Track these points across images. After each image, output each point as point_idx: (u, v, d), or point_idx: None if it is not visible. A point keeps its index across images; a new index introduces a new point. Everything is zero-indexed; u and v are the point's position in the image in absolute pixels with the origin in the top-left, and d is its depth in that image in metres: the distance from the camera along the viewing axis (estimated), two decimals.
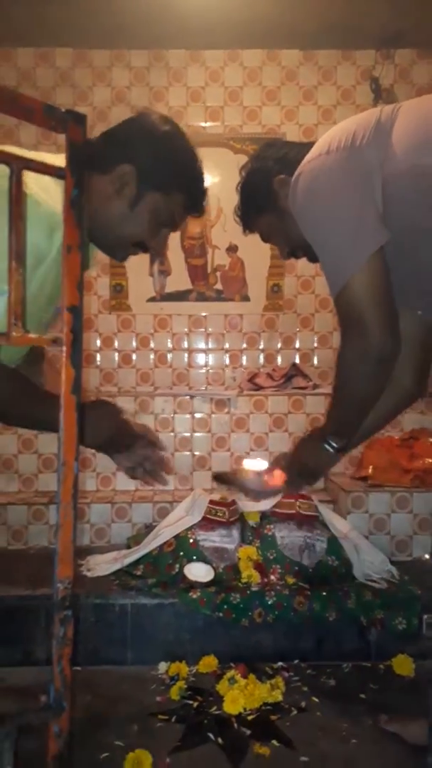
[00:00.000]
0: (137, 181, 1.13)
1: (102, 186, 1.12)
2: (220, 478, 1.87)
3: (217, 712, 1.51)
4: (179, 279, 2.98)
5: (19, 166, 0.68)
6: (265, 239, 1.42)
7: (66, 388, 0.67)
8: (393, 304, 1.09)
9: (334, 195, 1.09)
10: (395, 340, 1.10)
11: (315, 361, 2.98)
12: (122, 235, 1.17)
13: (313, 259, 1.28)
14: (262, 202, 1.33)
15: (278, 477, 1.44)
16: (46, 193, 1.00)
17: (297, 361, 2.93)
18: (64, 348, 0.67)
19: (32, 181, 0.96)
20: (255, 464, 1.54)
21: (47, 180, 0.98)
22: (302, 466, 1.38)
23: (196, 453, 2.62)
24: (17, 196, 0.68)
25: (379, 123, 1.10)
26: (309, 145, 1.20)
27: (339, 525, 2.08)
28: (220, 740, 1.40)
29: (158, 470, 1.31)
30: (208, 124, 3.00)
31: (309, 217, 1.14)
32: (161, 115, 1.20)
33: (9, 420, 1.17)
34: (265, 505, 2.09)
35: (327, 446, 1.29)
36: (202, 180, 1.21)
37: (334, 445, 1.28)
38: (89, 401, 1.21)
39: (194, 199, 1.20)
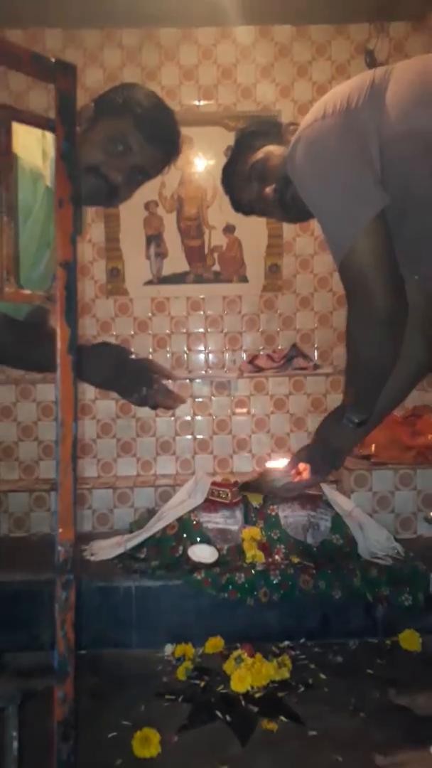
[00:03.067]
0: (94, 112, 1.19)
1: None
2: (246, 486, 1.86)
3: (224, 691, 1.50)
4: (176, 261, 2.94)
5: (8, 116, 0.66)
6: (257, 213, 1.40)
7: (62, 348, 0.65)
8: (397, 268, 1.08)
9: (332, 160, 1.08)
10: (401, 302, 1.09)
11: (315, 342, 2.95)
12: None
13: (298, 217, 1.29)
14: (247, 176, 1.32)
15: (303, 469, 1.41)
16: (25, 150, 1.03)
17: (297, 341, 2.90)
18: (58, 306, 0.65)
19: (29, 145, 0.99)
20: (277, 464, 1.52)
21: (27, 139, 1.02)
22: (326, 448, 1.35)
23: (198, 436, 2.61)
24: (7, 148, 0.65)
25: (373, 85, 1.08)
26: (291, 123, 1.23)
27: (343, 503, 2.06)
28: (227, 718, 1.39)
29: (166, 398, 1.26)
30: (202, 102, 2.95)
31: (308, 184, 1.13)
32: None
33: (7, 363, 1.28)
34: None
35: (348, 422, 1.26)
36: (164, 114, 1.22)
37: (355, 419, 1.25)
38: (91, 344, 1.25)
39: (153, 128, 1.19)
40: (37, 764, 0.77)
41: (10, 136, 0.65)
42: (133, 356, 1.27)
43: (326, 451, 1.36)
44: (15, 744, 0.53)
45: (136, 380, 1.21)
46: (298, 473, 1.42)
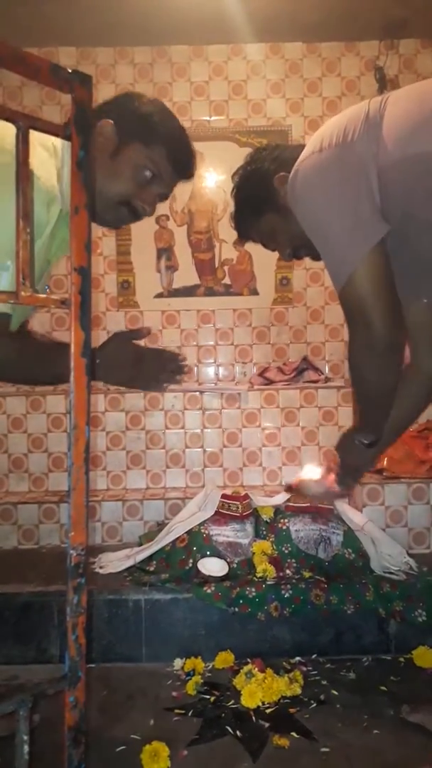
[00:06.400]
0: (117, 134, 1.15)
1: None
2: (290, 489, 1.87)
3: (234, 706, 1.48)
4: (187, 274, 2.96)
5: (25, 124, 0.67)
6: (265, 244, 1.41)
7: (75, 351, 0.65)
8: (395, 296, 1.09)
9: (330, 192, 1.09)
10: (397, 330, 1.09)
11: (326, 355, 2.94)
12: (106, 193, 1.17)
13: (317, 256, 1.27)
14: (261, 203, 1.33)
15: (332, 479, 1.43)
16: (42, 168, 1.03)
17: (308, 354, 2.90)
18: (72, 309, 0.65)
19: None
20: (311, 471, 1.52)
21: (43, 155, 1.02)
22: (344, 464, 1.38)
23: (208, 449, 2.60)
24: (24, 156, 0.66)
25: (368, 117, 1.09)
26: (301, 146, 1.20)
27: (355, 517, 2.04)
28: (238, 733, 1.37)
29: (174, 377, 1.29)
30: (213, 118, 2.99)
31: (307, 216, 1.15)
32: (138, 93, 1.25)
33: (12, 380, 1.22)
34: (279, 499, 2.07)
35: (358, 443, 1.29)
36: (185, 138, 1.21)
37: (364, 441, 1.28)
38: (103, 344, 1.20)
39: (178, 154, 1.20)
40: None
41: (27, 145, 0.66)
42: (142, 345, 1.26)
43: (344, 467, 1.38)
44: (25, 747, 0.52)
45: (155, 371, 1.23)
46: (331, 482, 1.43)
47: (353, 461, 1.36)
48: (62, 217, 1.08)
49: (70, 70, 0.70)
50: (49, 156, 1.07)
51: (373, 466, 1.45)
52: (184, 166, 1.23)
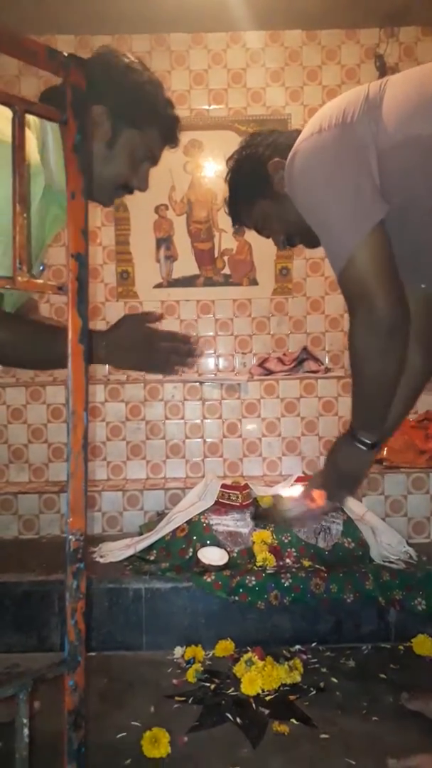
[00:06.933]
0: (111, 120, 1.15)
1: None
2: (259, 515, 1.84)
3: (234, 694, 1.49)
4: (186, 264, 2.95)
5: (21, 108, 0.66)
6: (258, 230, 1.39)
7: (73, 338, 0.65)
8: (397, 276, 1.07)
9: (330, 173, 1.08)
10: (403, 310, 1.07)
11: (326, 345, 2.94)
12: (105, 178, 1.18)
13: (310, 244, 1.25)
14: (255, 189, 1.31)
15: (318, 496, 1.35)
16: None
17: (308, 344, 2.90)
18: (70, 296, 0.65)
19: (7, 128, 0.96)
20: (293, 491, 1.47)
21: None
22: (339, 474, 1.30)
23: (208, 440, 2.60)
24: (20, 140, 0.66)
25: (368, 98, 1.08)
26: (297, 132, 1.19)
27: (355, 507, 2.05)
28: (238, 720, 1.38)
29: (186, 360, 1.21)
30: (212, 107, 2.97)
31: (306, 197, 1.13)
32: (119, 51, 1.21)
33: (22, 365, 1.25)
34: (279, 488, 2.07)
35: (359, 444, 1.22)
36: (172, 109, 1.23)
37: (366, 441, 1.21)
38: (112, 325, 1.18)
39: (168, 129, 1.22)
40: (47, 753, 0.76)
41: (23, 128, 0.65)
42: (153, 328, 1.21)
43: (339, 477, 1.31)
44: (25, 731, 0.53)
45: (166, 354, 1.17)
46: (312, 500, 1.36)
47: (351, 468, 1.28)
48: (50, 193, 1.06)
49: (66, 54, 0.69)
50: (29, 129, 1.05)
51: (367, 474, 1.35)
52: (172, 136, 1.25)
